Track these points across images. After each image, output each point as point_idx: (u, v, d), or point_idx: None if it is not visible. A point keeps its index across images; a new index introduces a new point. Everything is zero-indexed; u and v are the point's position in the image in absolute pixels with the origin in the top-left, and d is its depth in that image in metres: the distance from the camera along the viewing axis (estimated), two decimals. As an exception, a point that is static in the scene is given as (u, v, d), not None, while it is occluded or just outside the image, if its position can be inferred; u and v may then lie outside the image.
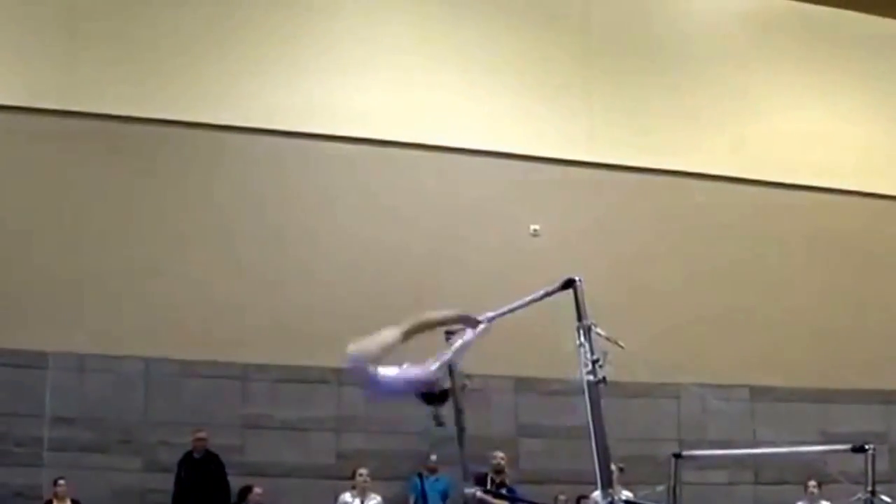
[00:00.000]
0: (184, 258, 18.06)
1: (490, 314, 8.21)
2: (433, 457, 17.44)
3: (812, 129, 21.03)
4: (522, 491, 16.32)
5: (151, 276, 17.83)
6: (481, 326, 7.89)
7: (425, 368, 7.60)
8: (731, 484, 18.94)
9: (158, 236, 18.06)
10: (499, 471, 16.36)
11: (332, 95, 18.80)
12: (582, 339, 6.97)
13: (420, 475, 17.34)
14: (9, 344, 16.98)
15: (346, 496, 14.98)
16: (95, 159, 17.95)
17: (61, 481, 16.38)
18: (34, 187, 17.77)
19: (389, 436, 17.89)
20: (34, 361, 17.17)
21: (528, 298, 8.01)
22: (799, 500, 17.07)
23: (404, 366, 7.67)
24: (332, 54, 18.86)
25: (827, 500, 16.70)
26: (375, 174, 18.89)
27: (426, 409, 7.84)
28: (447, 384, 7.96)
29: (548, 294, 7.57)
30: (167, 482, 16.67)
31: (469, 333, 7.92)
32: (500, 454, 16.28)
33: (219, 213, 18.31)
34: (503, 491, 16.17)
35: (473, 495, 10.78)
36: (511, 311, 8.33)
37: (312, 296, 18.18)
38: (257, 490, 16.92)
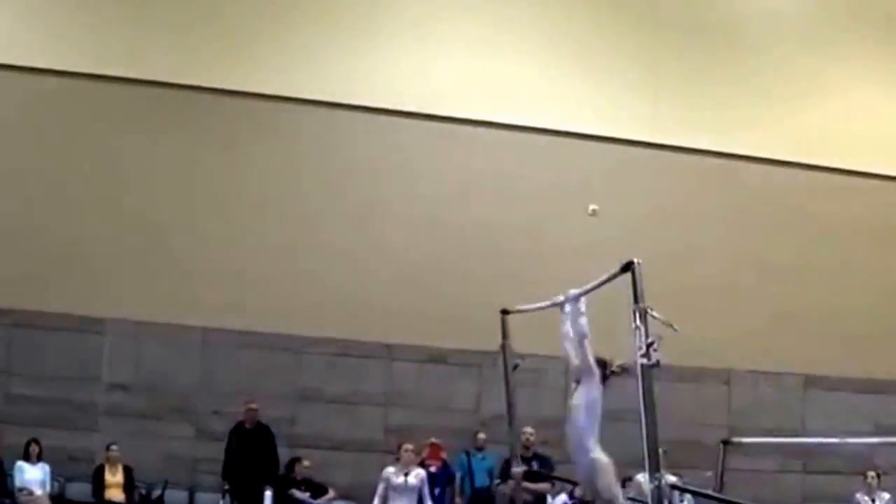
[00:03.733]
0: (245, 230, 18.02)
1: (573, 292, 8.16)
2: (481, 434, 17.39)
3: (881, 113, 20.30)
4: (568, 471, 16.08)
5: (211, 246, 17.82)
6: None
7: None
8: (779, 472, 18.60)
9: (221, 207, 18.01)
10: (527, 446, 16.07)
11: (403, 72, 18.66)
12: (638, 321, 6.84)
13: (467, 452, 17.39)
14: (68, 309, 17.10)
15: (390, 469, 14.88)
16: (159, 129, 17.97)
17: (114, 446, 16.49)
18: (98, 154, 17.77)
19: (438, 412, 17.92)
20: (92, 327, 17.26)
21: (594, 283, 7.93)
22: (855, 490, 16.84)
23: None
24: (405, 32, 18.73)
25: (885, 490, 16.36)
26: (440, 151, 18.72)
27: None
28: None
29: (609, 279, 7.48)
30: (218, 451, 16.66)
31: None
32: (528, 430, 15.88)
33: (283, 187, 18.15)
34: (534, 463, 15.96)
35: (521, 475, 10.74)
36: (585, 293, 8.22)
37: (370, 271, 18.03)
38: (305, 462, 16.84)
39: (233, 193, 18.09)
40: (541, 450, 16.16)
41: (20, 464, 16.22)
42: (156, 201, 17.81)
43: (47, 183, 17.51)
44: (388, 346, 18.00)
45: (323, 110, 18.33)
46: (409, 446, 15.20)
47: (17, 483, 16.12)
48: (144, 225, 17.66)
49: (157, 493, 16.88)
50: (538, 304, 8.92)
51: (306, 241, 17.99)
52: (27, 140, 17.61)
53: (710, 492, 9.55)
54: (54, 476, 16.51)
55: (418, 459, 15.68)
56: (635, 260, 6.97)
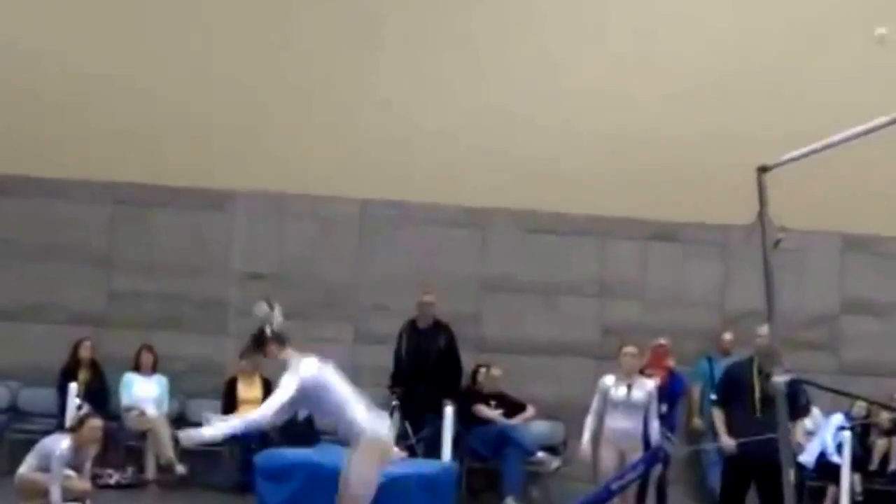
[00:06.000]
0: (412, 89, 18.03)
1: None
2: (727, 335, 17.32)
3: None
4: (844, 384, 15.52)
5: (369, 104, 17.88)
6: None
7: None
8: None
9: (384, 64, 18.13)
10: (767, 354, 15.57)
11: None
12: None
13: (709, 358, 17.36)
14: (188, 181, 17.51)
15: (609, 380, 14.63)
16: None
17: None
18: (242, 20, 18.08)
19: (669, 306, 17.88)
20: (220, 203, 17.71)
21: (869, 125, 7.49)
22: None
23: None
24: None
25: None
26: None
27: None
28: None
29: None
30: (382, 357, 16.82)
31: None
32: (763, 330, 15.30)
33: (458, 46, 18.22)
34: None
35: (785, 384, 10.41)
36: (847, 140, 7.95)
37: (571, 130, 17.91)
38: (495, 371, 16.97)
39: (410, 54, 18.18)
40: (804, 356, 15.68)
41: (129, 376, 16.70)
42: (298, 64, 17.97)
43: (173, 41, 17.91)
44: (602, 221, 17.98)
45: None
46: (632, 349, 14.70)
47: (125, 401, 16.62)
48: (286, 87, 17.95)
49: (304, 412, 16.80)
50: (810, 148, 8.49)
51: (493, 103, 17.92)
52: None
53: None
54: (173, 392, 17.00)
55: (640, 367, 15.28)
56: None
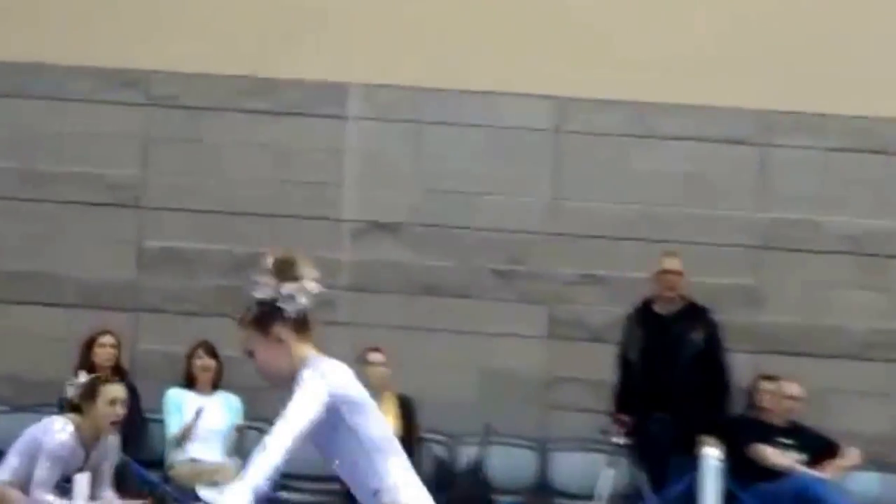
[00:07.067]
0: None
1: None
2: None
3: None
4: None
5: None
6: None
7: None
8: None
9: None
10: None
11: None
12: None
13: None
14: (265, 70, 17.19)
15: None
16: None
17: (376, 355, 15.54)
18: None
19: None
20: (320, 104, 17.19)
21: None
22: None
23: None
24: None
25: None
26: None
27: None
28: None
29: None
30: (596, 363, 16.13)
31: None
32: None
33: None
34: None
35: None
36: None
37: None
38: (790, 388, 15.92)
39: None
40: None
41: (176, 395, 15.43)
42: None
43: None
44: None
45: None
46: None
47: (174, 436, 15.40)
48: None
49: (467, 451, 16.50)
50: None
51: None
52: None
53: None
54: (250, 420, 15.68)
55: None
56: None
